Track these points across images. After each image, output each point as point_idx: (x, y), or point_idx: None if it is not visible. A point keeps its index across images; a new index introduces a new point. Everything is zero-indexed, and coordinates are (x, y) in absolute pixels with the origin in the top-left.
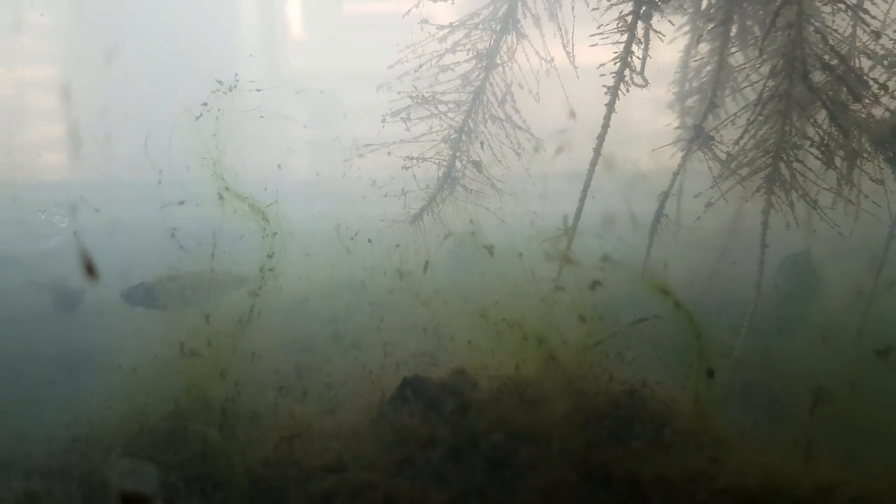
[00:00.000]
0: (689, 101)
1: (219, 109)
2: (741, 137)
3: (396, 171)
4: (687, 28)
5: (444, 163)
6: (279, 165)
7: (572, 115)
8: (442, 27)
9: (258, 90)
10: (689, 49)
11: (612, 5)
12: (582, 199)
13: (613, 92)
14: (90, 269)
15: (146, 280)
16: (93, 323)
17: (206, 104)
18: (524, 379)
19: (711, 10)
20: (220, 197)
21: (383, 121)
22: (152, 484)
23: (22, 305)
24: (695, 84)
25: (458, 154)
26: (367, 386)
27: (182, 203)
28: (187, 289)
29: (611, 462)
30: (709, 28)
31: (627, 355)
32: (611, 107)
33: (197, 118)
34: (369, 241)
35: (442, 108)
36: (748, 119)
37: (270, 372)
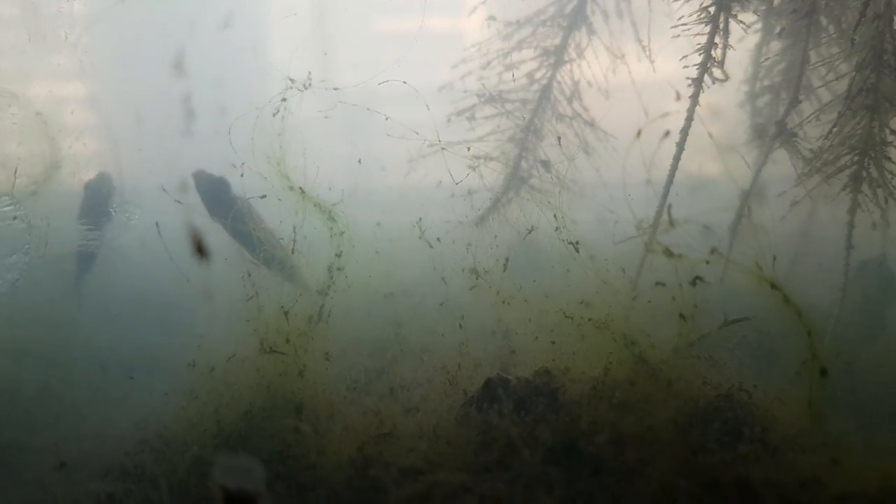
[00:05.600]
0: (760, 101)
1: (285, 108)
2: (829, 133)
3: (462, 171)
4: (758, 26)
5: (511, 162)
6: (360, 161)
7: (678, 97)
8: (508, 24)
9: (335, 88)
10: (759, 47)
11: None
12: (665, 195)
13: (697, 84)
14: (200, 250)
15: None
16: (166, 317)
17: (284, 99)
18: (614, 381)
19: (794, 6)
20: (302, 192)
21: (448, 120)
22: (258, 482)
23: (96, 304)
24: (766, 83)
25: (524, 153)
26: (445, 386)
27: (264, 197)
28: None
29: (718, 467)
30: (796, 20)
31: (717, 357)
32: (694, 99)
33: (274, 114)
34: (438, 240)
35: (508, 106)
36: (838, 113)
37: (342, 371)
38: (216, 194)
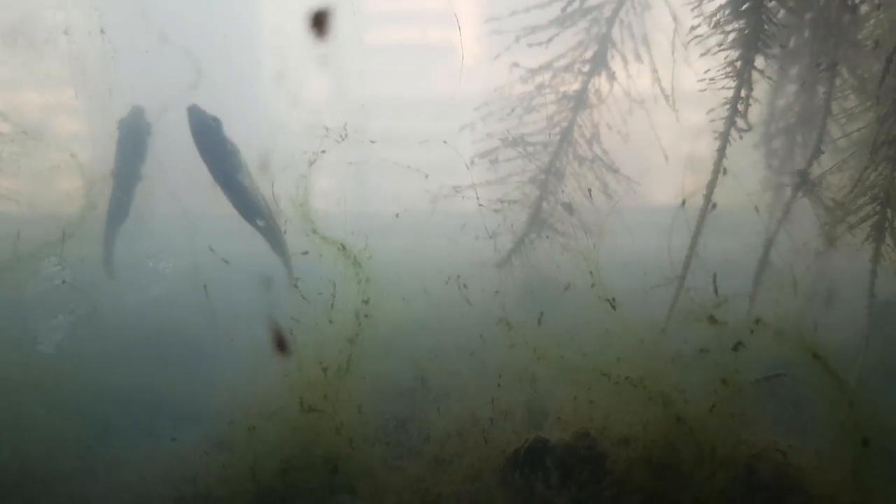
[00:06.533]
0: (775, 143)
1: (314, 153)
2: (856, 186)
3: (484, 213)
4: (774, 67)
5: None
6: (397, 215)
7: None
8: (531, 70)
9: (371, 141)
10: (774, 90)
11: (719, 50)
12: (692, 247)
13: (724, 137)
14: (281, 346)
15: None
16: (200, 370)
17: (324, 151)
18: (653, 442)
19: (816, 59)
20: (342, 248)
21: (472, 162)
22: None
23: (136, 357)
24: (780, 125)
25: (545, 195)
26: (479, 443)
27: (305, 253)
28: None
29: None
30: (818, 73)
31: (748, 413)
32: (721, 152)
33: (311, 164)
34: (465, 286)
35: (529, 149)
36: (864, 167)
37: (370, 420)
38: (208, 133)
